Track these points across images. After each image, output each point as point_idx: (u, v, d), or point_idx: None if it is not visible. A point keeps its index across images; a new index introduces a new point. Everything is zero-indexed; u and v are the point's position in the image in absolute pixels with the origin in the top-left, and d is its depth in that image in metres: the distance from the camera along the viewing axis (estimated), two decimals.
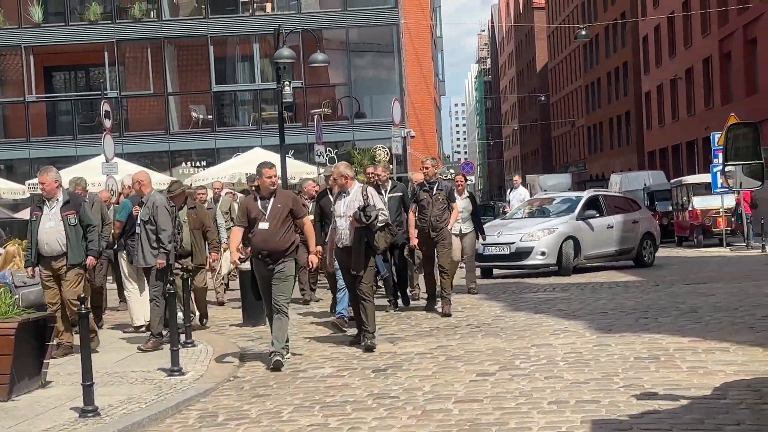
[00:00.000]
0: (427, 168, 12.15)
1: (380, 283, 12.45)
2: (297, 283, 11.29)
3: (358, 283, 9.45)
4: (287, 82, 18.75)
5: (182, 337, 9.59)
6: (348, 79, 35.43)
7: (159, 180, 21.85)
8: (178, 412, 7.09)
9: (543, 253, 16.69)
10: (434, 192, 11.86)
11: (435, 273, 12.19)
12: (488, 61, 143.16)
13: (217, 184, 15.75)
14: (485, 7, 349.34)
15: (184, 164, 34.22)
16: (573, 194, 21.75)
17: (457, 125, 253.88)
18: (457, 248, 13.44)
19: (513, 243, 16.85)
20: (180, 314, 9.60)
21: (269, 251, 8.67)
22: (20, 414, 7.01)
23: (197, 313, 11.64)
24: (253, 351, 9.75)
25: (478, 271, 14.78)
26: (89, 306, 7.97)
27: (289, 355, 8.89)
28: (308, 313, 12.78)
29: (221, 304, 14.21)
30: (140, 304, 11.02)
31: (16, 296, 8.96)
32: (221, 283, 14.58)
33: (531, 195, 25.93)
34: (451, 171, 35.48)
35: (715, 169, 24.26)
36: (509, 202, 20.88)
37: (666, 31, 50.68)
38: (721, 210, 24.88)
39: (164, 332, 9.72)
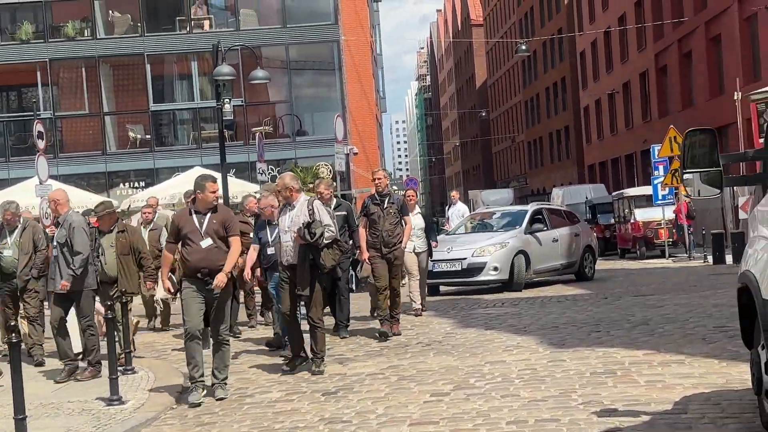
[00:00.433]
0: (379, 179, 11.42)
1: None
2: (239, 306, 10.91)
3: (306, 305, 9.03)
4: (227, 100, 18.38)
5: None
6: (289, 96, 35.16)
7: (96, 202, 21.28)
8: None
9: (496, 269, 16.38)
10: (386, 205, 11.25)
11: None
12: (428, 78, 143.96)
13: (152, 200, 15.23)
14: (424, 25, 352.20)
15: (122, 185, 33.56)
16: (514, 208, 21.77)
17: (398, 142, 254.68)
18: (413, 265, 13.01)
19: (465, 259, 16.45)
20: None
21: (210, 269, 8.09)
22: None
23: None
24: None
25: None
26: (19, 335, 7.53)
27: (227, 388, 8.38)
28: (255, 336, 12.40)
29: (156, 330, 13.60)
30: (75, 332, 10.52)
31: None
32: (155, 312, 13.74)
33: (472, 210, 25.89)
34: (395, 188, 35.32)
35: (655, 181, 24.51)
36: (448, 218, 20.57)
37: (603, 46, 51.39)
38: (662, 221, 25.11)
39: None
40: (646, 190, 27.41)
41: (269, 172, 25.52)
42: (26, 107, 34.31)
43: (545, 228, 17.80)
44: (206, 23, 35.07)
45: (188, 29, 34.61)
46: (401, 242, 11.31)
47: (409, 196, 13.66)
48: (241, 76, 28.21)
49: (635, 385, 7.33)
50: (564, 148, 62.81)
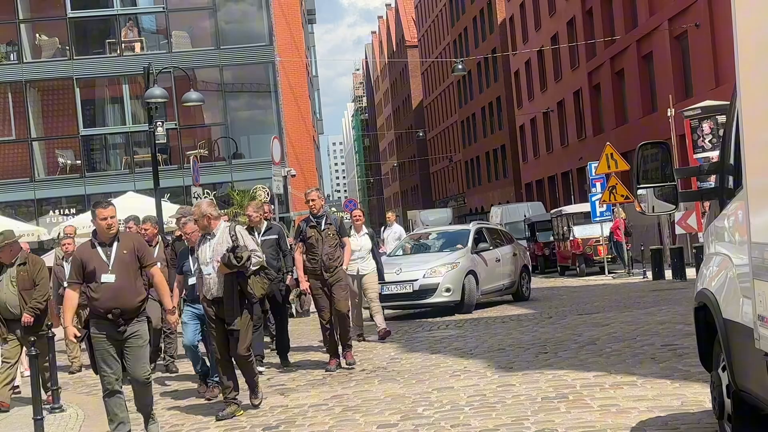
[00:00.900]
0: (313, 200, 10.50)
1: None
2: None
3: (234, 342, 8.17)
4: (160, 123, 17.88)
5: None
6: (224, 119, 34.65)
7: (25, 230, 20.49)
8: None
9: (448, 290, 15.81)
10: (323, 227, 10.40)
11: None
12: (364, 99, 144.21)
13: (69, 229, 14.19)
14: (359, 48, 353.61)
15: (52, 212, 32.63)
16: (452, 228, 21.52)
17: (336, 164, 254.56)
18: (353, 291, 12.54)
19: (416, 280, 15.81)
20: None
21: (121, 309, 7.15)
22: None
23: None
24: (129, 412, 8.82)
25: (366, 313, 13.82)
26: None
27: (161, 424, 7.82)
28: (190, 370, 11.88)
29: (72, 372, 12.24)
30: None
31: None
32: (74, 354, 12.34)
33: (410, 232, 25.51)
34: (333, 209, 34.99)
35: (593, 198, 24.60)
36: (383, 240, 19.99)
37: (536, 65, 51.91)
38: (601, 238, 25.19)
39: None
40: (584, 207, 27.50)
41: (204, 196, 24.98)
42: None
43: (490, 247, 17.60)
44: (137, 45, 34.40)
45: (119, 52, 33.90)
46: (342, 264, 10.67)
47: (356, 217, 13.23)
48: (174, 99, 27.68)
49: (589, 410, 7.07)
50: (501, 166, 63.23)
